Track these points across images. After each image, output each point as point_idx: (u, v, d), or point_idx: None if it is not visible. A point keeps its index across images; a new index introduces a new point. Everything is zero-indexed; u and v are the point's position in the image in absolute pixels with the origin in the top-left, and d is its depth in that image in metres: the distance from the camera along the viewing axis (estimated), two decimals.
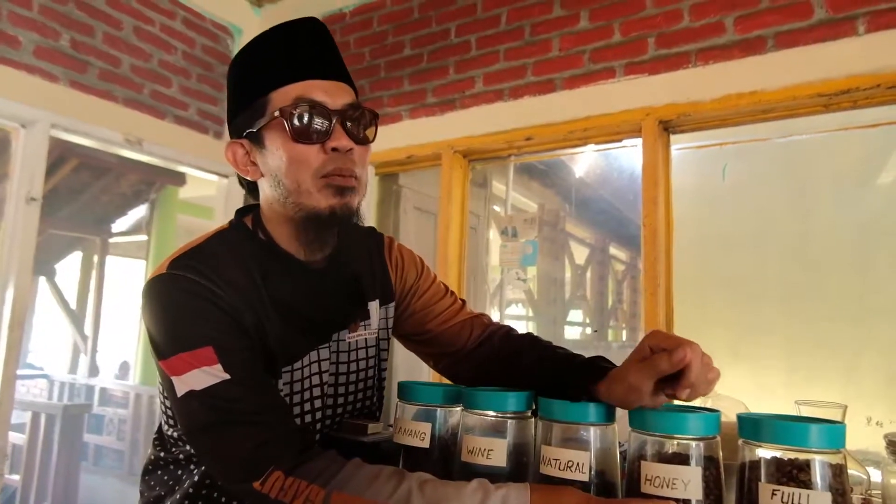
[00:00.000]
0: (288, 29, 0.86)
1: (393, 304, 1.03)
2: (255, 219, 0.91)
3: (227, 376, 0.74)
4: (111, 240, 6.31)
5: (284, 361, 0.86)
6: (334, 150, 0.82)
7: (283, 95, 0.82)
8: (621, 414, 0.76)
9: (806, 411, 0.85)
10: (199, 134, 2.87)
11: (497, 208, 3.74)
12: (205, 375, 0.74)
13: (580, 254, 5.28)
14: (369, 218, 2.77)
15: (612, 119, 2.17)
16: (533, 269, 4.36)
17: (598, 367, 0.80)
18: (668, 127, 2.12)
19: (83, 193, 5.31)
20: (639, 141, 2.16)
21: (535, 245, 2.38)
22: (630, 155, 4.08)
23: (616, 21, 2.22)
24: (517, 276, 2.46)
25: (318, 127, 0.82)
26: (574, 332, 5.68)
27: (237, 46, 3.05)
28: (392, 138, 2.70)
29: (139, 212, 5.98)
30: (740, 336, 3.16)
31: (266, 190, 0.89)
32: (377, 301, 1.00)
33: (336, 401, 0.94)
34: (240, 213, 0.94)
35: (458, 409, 0.86)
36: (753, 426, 0.65)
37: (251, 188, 0.93)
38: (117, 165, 4.73)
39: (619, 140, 2.24)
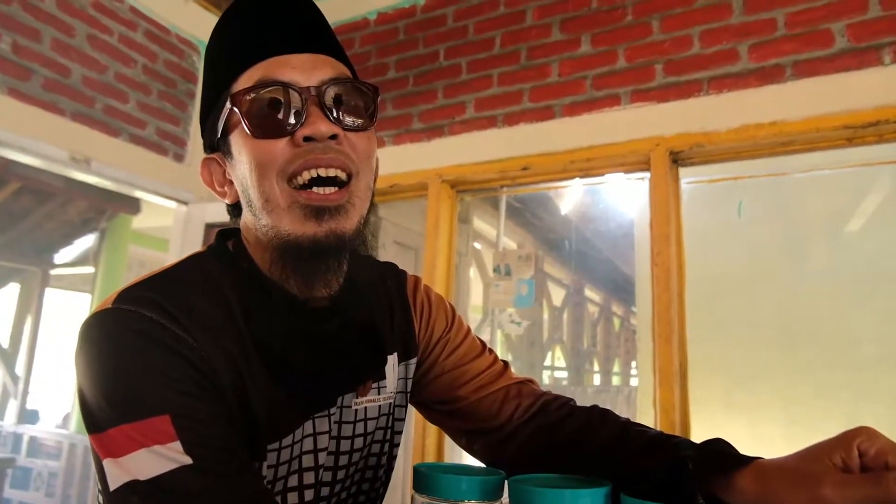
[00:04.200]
0: (242, 6, 0.66)
1: (415, 360, 0.78)
2: (238, 243, 0.68)
3: (189, 460, 0.50)
4: (53, 271, 5.83)
5: (271, 436, 0.61)
6: (308, 139, 0.60)
7: (243, 82, 0.62)
8: None
9: None
10: (156, 155, 2.59)
11: (478, 245, 3.55)
12: (156, 459, 0.50)
13: (557, 295, 5.11)
14: None
15: (617, 149, 2.00)
16: (512, 310, 4.15)
17: (730, 453, 0.56)
18: (679, 159, 1.97)
19: (24, 220, 4.88)
20: (645, 174, 2.00)
21: (531, 285, 2.17)
22: (613, 193, 3.97)
23: (620, 46, 2.08)
24: (511, 318, 2.23)
25: (283, 113, 0.60)
26: (547, 377, 5.48)
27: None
28: None
29: (87, 241, 5.54)
30: (735, 384, 3.00)
31: (245, 211, 0.66)
32: (395, 355, 0.75)
33: (333, 489, 0.69)
34: (222, 235, 0.70)
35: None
36: None
37: (240, 214, 0.69)
38: (64, 190, 4.35)
39: (624, 172, 2.08)
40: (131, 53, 2.52)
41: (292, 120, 0.60)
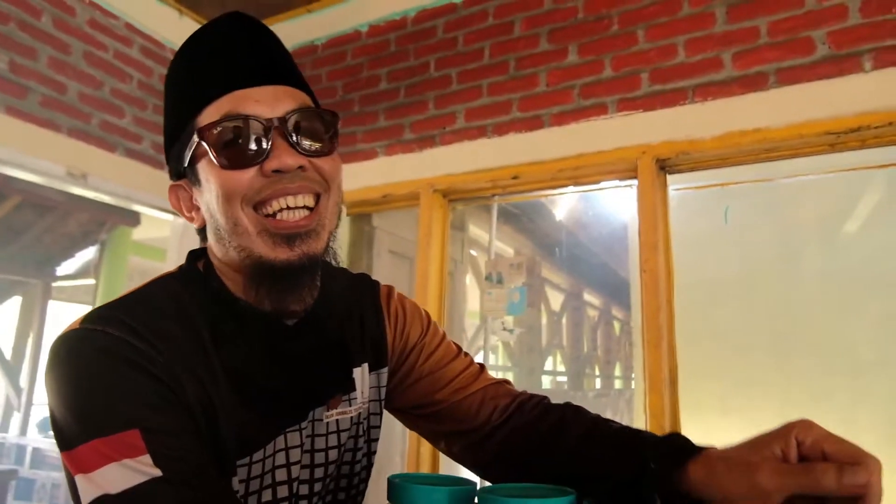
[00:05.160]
0: (212, 31, 0.68)
1: (387, 369, 0.80)
2: (208, 264, 0.70)
3: (159, 473, 0.52)
4: (55, 283, 5.87)
5: (241, 451, 0.63)
6: (276, 172, 0.62)
7: (209, 115, 0.64)
8: None
9: None
10: (152, 169, 2.62)
11: (474, 252, 3.57)
12: (126, 472, 0.51)
13: (556, 300, 5.12)
14: (340, 261, 2.55)
15: (605, 157, 2.03)
16: (510, 317, 4.16)
17: (684, 447, 0.59)
18: (666, 166, 1.99)
19: (25, 234, 4.92)
20: (633, 182, 2.02)
21: (523, 292, 2.19)
22: (608, 199, 3.99)
23: (607, 56, 2.11)
24: (503, 325, 2.25)
25: (250, 145, 0.62)
26: (549, 382, 5.48)
27: None
28: (366, 176, 2.51)
29: (87, 253, 5.58)
30: (730, 389, 3.01)
31: (211, 235, 0.69)
32: (366, 366, 0.77)
33: (311, 501, 0.71)
34: (193, 255, 0.73)
35: None
36: None
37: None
38: (64, 204, 4.39)
39: (612, 180, 2.10)
40: (126, 69, 2.56)
41: (259, 151, 0.62)
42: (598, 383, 6.38)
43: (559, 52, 2.20)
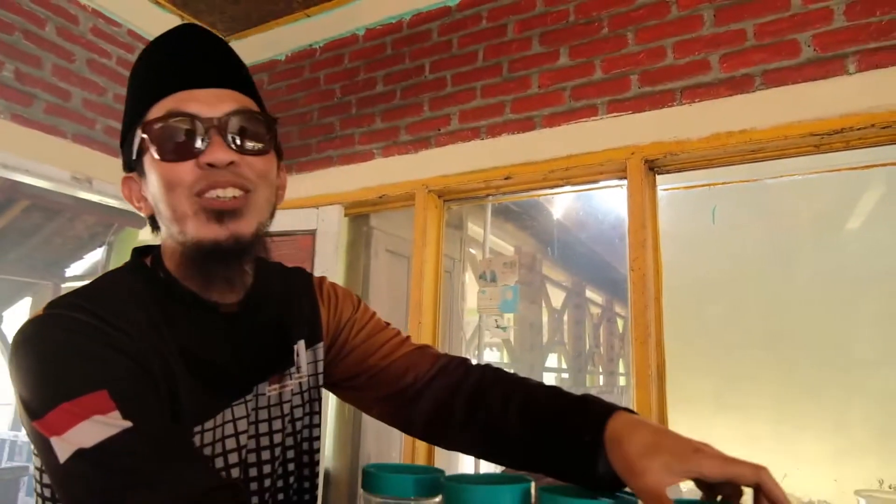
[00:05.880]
0: (167, 38, 0.75)
1: (321, 344, 0.88)
2: (155, 258, 0.77)
3: (129, 424, 0.56)
4: (64, 285, 5.96)
5: (194, 422, 0.69)
6: (210, 165, 0.69)
7: (155, 112, 0.71)
8: None
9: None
10: None
11: (473, 251, 3.61)
12: (97, 426, 0.55)
13: (557, 297, 5.16)
14: (338, 261, 2.60)
15: (595, 158, 2.06)
16: (509, 314, 4.20)
17: (603, 408, 0.68)
18: (654, 166, 2.03)
19: (34, 236, 5.01)
20: (623, 181, 2.06)
21: (516, 290, 2.23)
22: (607, 196, 4.02)
23: (597, 58, 2.14)
24: (496, 323, 2.30)
25: (189, 140, 0.69)
26: (550, 379, 5.51)
27: None
28: (363, 177, 2.56)
29: (95, 255, 5.67)
30: (724, 385, 3.04)
31: (160, 225, 0.76)
32: (303, 342, 0.85)
33: (261, 470, 0.77)
34: (138, 252, 0.79)
35: (437, 500, 0.68)
36: None
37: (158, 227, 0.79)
38: (72, 207, 4.47)
39: (603, 180, 2.14)
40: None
41: (197, 146, 0.69)
42: (601, 380, 6.41)
43: (551, 55, 2.24)
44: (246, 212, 0.71)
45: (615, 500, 0.61)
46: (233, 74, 0.75)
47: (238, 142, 0.71)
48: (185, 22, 0.78)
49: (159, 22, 2.72)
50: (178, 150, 0.69)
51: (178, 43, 0.74)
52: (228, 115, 0.70)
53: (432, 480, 0.69)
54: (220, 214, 0.69)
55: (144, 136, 0.70)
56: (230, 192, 0.70)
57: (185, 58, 0.73)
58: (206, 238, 0.69)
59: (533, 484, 0.64)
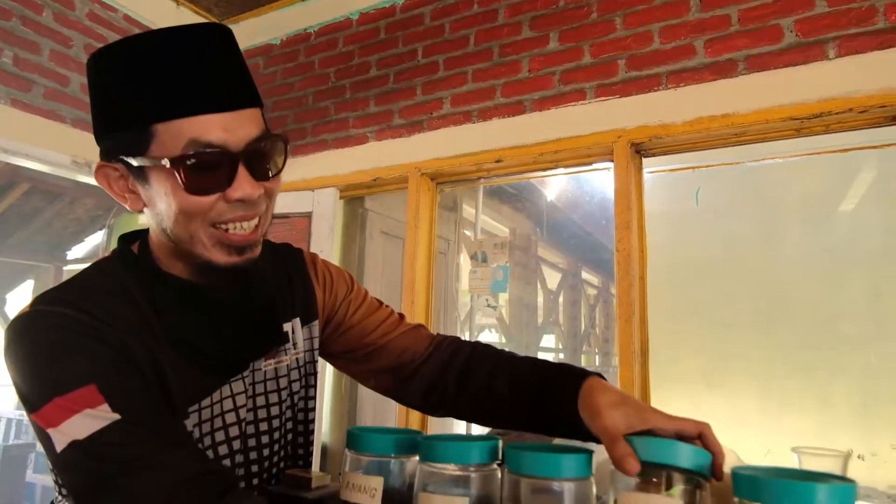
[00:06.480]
0: (180, 40, 0.69)
1: (317, 322, 0.92)
2: (143, 245, 0.78)
3: (117, 416, 0.61)
4: (66, 267, 6.02)
5: (190, 401, 0.74)
6: (240, 200, 0.70)
7: (171, 134, 0.67)
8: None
9: (806, 461, 0.77)
10: None
11: (468, 232, 3.67)
12: (88, 420, 0.60)
13: (552, 278, 5.23)
14: (334, 242, 2.66)
15: (583, 141, 2.11)
16: (505, 294, 4.28)
17: (581, 369, 0.75)
18: (640, 150, 2.08)
19: (35, 219, 5.06)
20: (610, 164, 2.11)
21: (507, 271, 2.29)
22: (600, 178, 4.06)
23: (586, 43, 2.18)
24: (487, 302, 2.36)
25: (217, 173, 0.69)
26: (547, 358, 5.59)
27: None
28: (358, 160, 2.60)
29: (96, 238, 5.72)
30: (713, 363, 3.12)
31: (152, 224, 0.75)
32: (297, 320, 0.89)
33: (260, 440, 0.82)
34: (124, 239, 0.80)
35: (415, 458, 0.75)
36: (752, 485, 0.56)
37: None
38: (72, 190, 4.52)
39: (591, 163, 2.19)
40: None
41: (223, 180, 0.69)
42: (596, 360, 6.50)
43: (541, 40, 2.27)
44: (262, 237, 0.75)
45: (572, 449, 0.68)
46: (249, 89, 0.73)
47: (261, 171, 0.72)
48: (204, 21, 0.77)
49: (155, 7, 2.74)
50: (206, 185, 0.68)
51: (199, 49, 0.69)
52: (252, 143, 0.70)
53: (410, 440, 0.76)
54: (241, 249, 0.72)
55: (168, 165, 0.67)
56: (249, 225, 0.72)
57: (204, 75, 0.68)
58: (221, 263, 0.72)
59: (500, 441, 0.71)
